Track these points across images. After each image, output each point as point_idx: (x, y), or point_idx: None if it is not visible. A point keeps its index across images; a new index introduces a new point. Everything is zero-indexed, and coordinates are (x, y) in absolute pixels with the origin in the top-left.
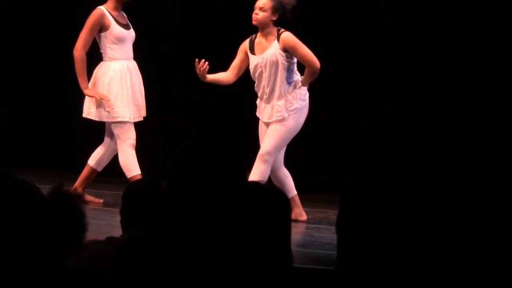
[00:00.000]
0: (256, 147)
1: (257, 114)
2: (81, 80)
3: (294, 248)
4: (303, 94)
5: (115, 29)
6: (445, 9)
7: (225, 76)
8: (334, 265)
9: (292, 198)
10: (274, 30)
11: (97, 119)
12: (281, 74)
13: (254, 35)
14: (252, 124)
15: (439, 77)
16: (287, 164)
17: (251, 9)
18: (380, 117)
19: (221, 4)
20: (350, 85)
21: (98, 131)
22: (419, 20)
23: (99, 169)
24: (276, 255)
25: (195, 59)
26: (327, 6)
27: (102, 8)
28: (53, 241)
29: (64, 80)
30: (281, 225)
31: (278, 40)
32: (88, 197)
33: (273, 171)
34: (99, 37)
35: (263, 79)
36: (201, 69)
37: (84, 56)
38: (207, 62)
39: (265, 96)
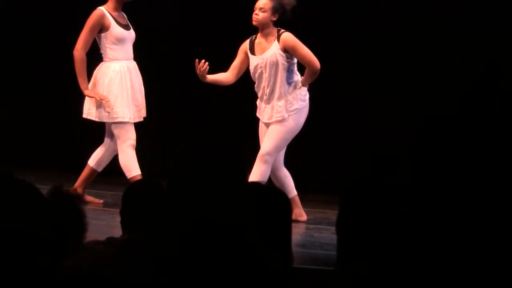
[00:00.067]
0: (256, 147)
1: (257, 114)
2: (81, 80)
3: (294, 248)
4: (303, 94)
5: (115, 29)
6: (445, 9)
7: (225, 77)
8: (334, 265)
9: (292, 198)
10: (274, 30)
11: (97, 119)
12: (281, 75)
13: (254, 36)
14: (252, 124)
15: (439, 77)
16: (287, 164)
17: (251, 10)
18: (380, 117)
19: (221, 4)
20: (350, 85)
21: (98, 132)
22: (419, 20)
23: (99, 169)
24: (276, 255)
25: (195, 60)
26: (327, 7)
27: (102, 9)
28: (53, 241)
29: (64, 80)
30: (281, 226)
31: (278, 40)
32: (88, 198)
33: (273, 171)
34: (99, 37)
35: (263, 80)
36: (201, 69)
37: (84, 57)
38: (207, 63)
39: (265, 97)
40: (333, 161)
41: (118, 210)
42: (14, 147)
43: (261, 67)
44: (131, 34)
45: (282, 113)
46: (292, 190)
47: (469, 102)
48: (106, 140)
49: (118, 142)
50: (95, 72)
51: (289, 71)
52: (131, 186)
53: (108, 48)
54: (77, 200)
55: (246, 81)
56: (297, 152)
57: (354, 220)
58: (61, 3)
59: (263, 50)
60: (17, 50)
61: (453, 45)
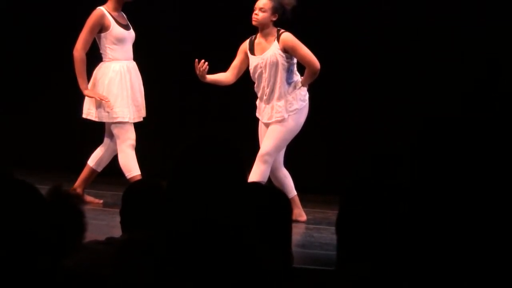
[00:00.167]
0: (256, 147)
1: (257, 114)
2: (81, 80)
3: (294, 248)
4: (303, 94)
5: (115, 29)
6: (445, 9)
7: (225, 77)
8: (334, 265)
9: (292, 198)
10: (274, 30)
11: (97, 119)
12: (281, 75)
13: (254, 36)
14: (252, 124)
15: (439, 77)
16: (287, 164)
17: (251, 10)
18: (380, 117)
19: (221, 4)
20: (350, 85)
21: (98, 132)
22: (419, 20)
23: (99, 169)
24: (276, 255)
25: (195, 60)
26: (327, 7)
27: (102, 9)
28: (52, 241)
29: (64, 80)
30: (281, 226)
31: (278, 40)
32: (88, 198)
33: (273, 171)
34: (99, 37)
35: (263, 80)
36: (201, 69)
37: (84, 57)
38: (206, 63)
39: (265, 97)
40: (333, 161)
41: (118, 210)
42: (14, 147)
43: (261, 67)
44: (131, 34)
45: (282, 113)
46: (291, 190)
47: (469, 102)
48: (106, 140)
49: (118, 142)
50: (95, 72)
51: (289, 71)
52: (131, 186)
53: (108, 48)
54: (77, 200)
55: (246, 81)
56: (297, 152)
57: (354, 220)
58: (61, 3)
59: (263, 50)
60: (17, 50)
61: (453, 45)
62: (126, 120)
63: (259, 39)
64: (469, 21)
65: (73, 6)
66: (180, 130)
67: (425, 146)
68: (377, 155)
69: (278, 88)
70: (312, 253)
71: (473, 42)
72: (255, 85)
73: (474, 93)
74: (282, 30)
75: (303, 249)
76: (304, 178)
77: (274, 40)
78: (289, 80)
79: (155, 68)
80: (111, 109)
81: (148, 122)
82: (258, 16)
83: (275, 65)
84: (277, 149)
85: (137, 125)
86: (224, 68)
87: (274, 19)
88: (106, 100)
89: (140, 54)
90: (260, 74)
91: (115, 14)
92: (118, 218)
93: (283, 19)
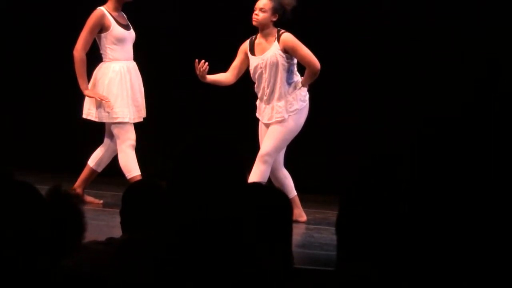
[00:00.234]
0: (256, 148)
1: (257, 115)
2: (81, 80)
3: (294, 249)
4: (303, 95)
5: (116, 29)
6: (445, 9)
7: (225, 77)
8: (334, 266)
9: (292, 199)
10: (274, 31)
11: (97, 120)
12: (281, 75)
13: (254, 36)
14: (252, 125)
15: (439, 77)
16: (287, 164)
17: (251, 10)
18: (380, 117)
19: (221, 4)
20: (350, 85)
21: (98, 132)
22: (419, 20)
23: (99, 169)
24: (276, 255)
25: (195, 60)
26: (327, 7)
27: (102, 9)
28: (52, 241)
29: (64, 80)
30: (282, 226)
31: (278, 41)
32: (88, 198)
33: (273, 172)
34: (99, 37)
35: (263, 80)
36: (201, 69)
37: (84, 57)
38: (206, 63)
39: (265, 97)
40: (333, 161)
41: (118, 211)
42: (14, 147)
43: (261, 67)
44: (131, 34)
45: (282, 113)
46: (291, 190)
47: (469, 102)
48: (106, 140)
49: (118, 142)
50: (95, 72)
51: (289, 72)
52: (131, 186)
53: (108, 48)
54: (76, 200)
55: (246, 81)
56: (297, 152)
57: (354, 220)
58: (61, 3)
59: (263, 51)
60: (17, 50)
61: (453, 45)
62: (126, 120)
63: (259, 40)
64: (469, 21)
65: (73, 6)
66: (180, 130)
67: (425, 146)
68: (377, 155)
69: (278, 88)
70: (312, 254)
71: (473, 42)
72: (255, 86)
73: (474, 93)
74: (282, 31)
75: (303, 249)
76: (304, 178)
77: (274, 41)
78: (289, 81)
79: (155, 68)
80: (111, 109)
81: (148, 122)
82: (258, 16)
83: (275, 65)
84: (277, 150)
85: (137, 126)
86: (224, 68)
87: (274, 19)
88: (107, 100)
89: (140, 54)
90: (260, 75)
91: (115, 14)
92: (118, 218)
93: (283, 20)
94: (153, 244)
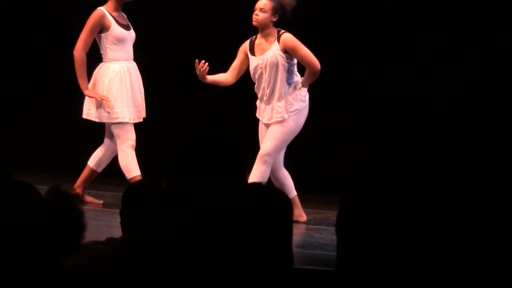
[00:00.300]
0: (256, 148)
1: (257, 115)
2: (81, 80)
3: (294, 249)
4: (303, 95)
5: (116, 29)
6: (445, 9)
7: (225, 77)
8: (333, 266)
9: (292, 199)
10: (274, 31)
11: (97, 120)
12: (281, 75)
13: (254, 36)
14: (252, 125)
15: (439, 77)
16: (287, 165)
17: (251, 10)
18: (380, 117)
19: (221, 4)
20: (350, 85)
21: (98, 132)
22: (419, 20)
23: (99, 170)
24: (276, 255)
25: (195, 60)
26: (327, 7)
27: (102, 9)
28: (52, 241)
29: (64, 80)
30: (282, 226)
31: (278, 41)
32: (88, 198)
33: (273, 172)
34: (99, 38)
35: (263, 80)
36: (201, 70)
37: (84, 57)
38: (207, 63)
39: (265, 97)
40: (333, 161)
41: (118, 211)
42: (14, 147)
43: (261, 67)
44: (131, 34)
45: (282, 113)
46: (291, 190)
47: (469, 102)
48: (106, 140)
49: (118, 142)
50: (95, 72)
51: (289, 72)
52: (131, 186)
53: (108, 48)
54: (76, 200)
55: (246, 81)
56: (297, 152)
57: (354, 220)
58: (61, 3)
59: (263, 51)
60: (17, 50)
61: (453, 45)
62: (126, 120)
63: (259, 40)
64: (469, 21)
65: (73, 6)
66: (180, 130)
67: (425, 146)
68: (377, 155)
69: (278, 88)
70: (312, 254)
71: (473, 42)
72: (255, 86)
73: (474, 93)
74: (283, 31)
75: (303, 249)
76: (304, 178)
77: (275, 41)
78: (289, 81)
79: (155, 68)
80: (111, 110)
81: (148, 122)
82: (259, 16)
83: (275, 65)
84: (277, 150)
85: (137, 126)
86: (224, 69)
87: (274, 19)
88: (107, 100)
89: (140, 54)
90: (260, 75)
91: (115, 14)
92: (118, 219)
93: (283, 20)
94: (153, 244)
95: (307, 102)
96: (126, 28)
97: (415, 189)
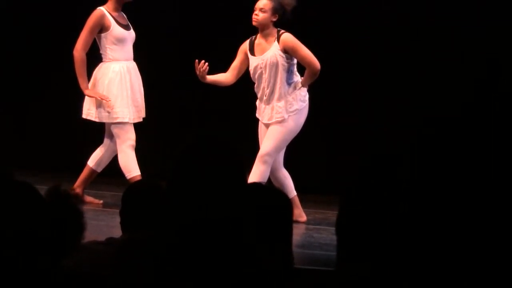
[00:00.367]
0: (256, 148)
1: (257, 115)
2: (81, 80)
3: (293, 249)
4: (303, 95)
5: (116, 29)
6: (445, 9)
7: (225, 77)
8: (333, 266)
9: (292, 199)
10: (274, 31)
11: (97, 120)
12: (281, 75)
13: (254, 36)
14: (252, 125)
15: (439, 77)
16: (287, 165)
17: (251, 10)
18: (380, 117)
19: (221, 4)
20: (350, 85)
21: (98, 132)
22: (419, 20)
23: (99, 170)
24: (276, 255)
25: (195, 60)
26: (327, 7)
27: (102, 9)
28: (52, 241)
29: (64, 80)
30: (282, 226)
31: (278, 41)
32: (88, 198)
33: (273, 172)
34: (99, 37)
35: (263, 80)
36: (201, 70)
37: (84, 57)
38: (206, 63)
39: (265, 97)
40: (333, 161)
41: (117, 211)
42: (14, 147)
43: (261, 67)
44: (131, 34)
45: (282, 113)
46: (291, 190)
47: (469, 102)
48: (106, 140)
49: (118, 142)
50: (94, 72)
51: (289, 72)
52: (131, 186)
53: (108, 48)
54: (75, 200)
55: (246, 81)
56: (297, 152)
57: (354, 220)
58: (61, 3)
59: (263, 51)
60: (17, 50)
61: (453, 45)
62: (126, 120)
63: (259, 40)
64: (469, 21)
65: (73, 6)
66: (180, 130)
67: (425, 146)
68: (377, 155)
69: (278, 88)
70: (312, 254)
71: (473, 42)
72: (255, 86)
73: (474, 93)
74: (282, 31)
75: (303, 249)
76: (304, 178)
77: (274, 41)
78: (289, 81)
79: (155, 68)
80: (111, 109)
81: (148, 122)
82: (258, 16)
83: (275, 65)
84: (277, 150)
85: (137, 126)
86: (224, 69)
87: (274, 19)
88: (107, 100)
89: (140, 54)
90: (260, 75)
91: (115, 14)
92: (118, 219)
93: (283, 20)
94: (153, 244)
95: (307, 102)
96: (126, 28)
97: (415, 189)
